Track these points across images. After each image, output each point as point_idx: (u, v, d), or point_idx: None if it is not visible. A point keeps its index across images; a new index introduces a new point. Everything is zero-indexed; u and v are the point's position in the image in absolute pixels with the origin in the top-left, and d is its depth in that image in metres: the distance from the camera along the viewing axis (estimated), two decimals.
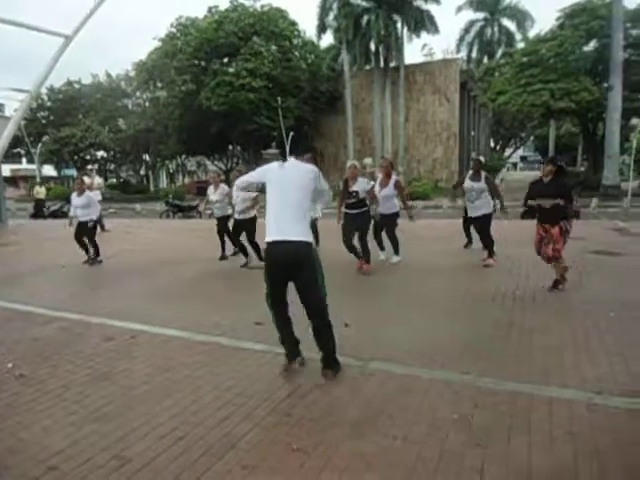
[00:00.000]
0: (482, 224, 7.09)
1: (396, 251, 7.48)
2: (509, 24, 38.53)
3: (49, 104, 43.54)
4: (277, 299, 3.38)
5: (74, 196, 8.60)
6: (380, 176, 7.34)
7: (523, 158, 71.67)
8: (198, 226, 13.82)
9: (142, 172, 48.76)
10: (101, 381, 3.44)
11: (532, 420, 2.74)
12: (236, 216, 7.63)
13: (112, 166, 49.32)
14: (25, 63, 62.98)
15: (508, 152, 47.64)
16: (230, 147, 40.19)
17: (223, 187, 8.34)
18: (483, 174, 7.03)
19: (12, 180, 47.96)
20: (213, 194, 8.27)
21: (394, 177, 7.28)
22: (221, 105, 30.71)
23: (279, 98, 31.03)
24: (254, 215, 7.55)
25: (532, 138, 50.65)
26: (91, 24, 13.51)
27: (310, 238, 3.29)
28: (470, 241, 8.46)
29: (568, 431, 2.61)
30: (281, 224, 3.22)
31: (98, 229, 12.73)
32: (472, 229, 7.95)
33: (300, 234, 3.21)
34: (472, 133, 39.91)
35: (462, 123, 35.24)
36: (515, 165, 69.45)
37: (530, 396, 3.02)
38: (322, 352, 3.42)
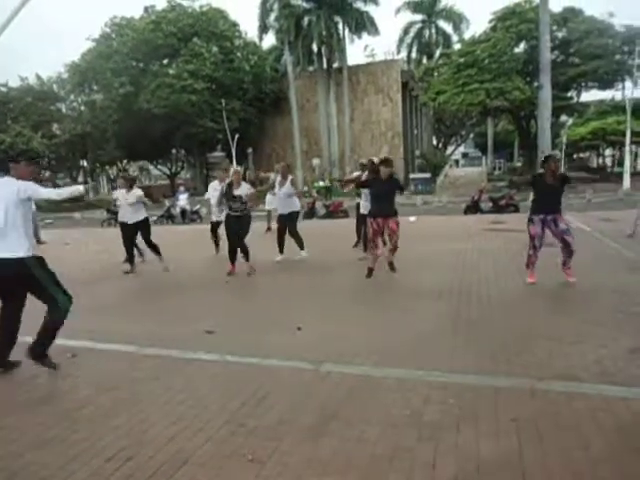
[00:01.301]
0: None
1: (302, 247, 7.87)
2: (445, 26, 40.04)
3: None
4: None
5: None
6: (278, 177, 7.90)
7: (464, 155, 74.45)
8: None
9: (80, 179, 46.47)
10: (40, 405, 3.24)
11: (479, 410, 2.84)
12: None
13: (47, 173, 46.70)
14: None
15: (450, 149, 49.39)
16: (174, 151, 39.20)
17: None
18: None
19: None
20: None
21: (290, 177, 7.87)
22: (162, 108, 29.89)
23: (223, 100, 30.59)
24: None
25: (472, 135, 52.77)
26: (17, 26, 12.77)
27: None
28: (359, 239, 8.58)
29: (513, 418, 2.72)
30: None
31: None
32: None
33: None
34: (415, 132, 41.03)
35: (405, 122, 36.17)
36: (457, 162, 72.01)
37: (477, 387, 3.13)
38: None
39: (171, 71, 31.30)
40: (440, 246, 7.44)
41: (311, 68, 35.05)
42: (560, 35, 25.87)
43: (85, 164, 43.77)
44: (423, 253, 7.78)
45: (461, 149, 58.09)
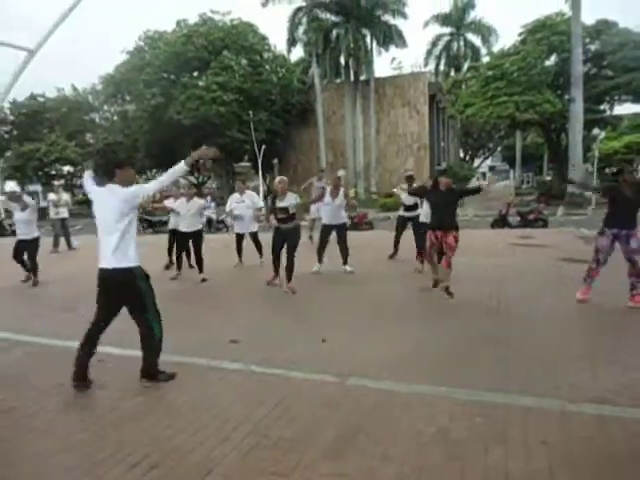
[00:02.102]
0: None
1: (346, 260, 7.75)
2: (474, 39, 39.78)
3: (12, 118, 42.29)
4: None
5: (17, 211, 7.90)
6: (329, 188, 7.71)
7: (491, 168, 73.50)
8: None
9: None
10: (71, 409, 3.31)
11: (507, 430, 2.76)
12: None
13: (79, 181, 48.16)
14: None
15: (477, 162, 48.81)
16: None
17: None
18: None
19: None
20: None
21: (342, 189, 7.69)
22: (191, 119, 30.50)
23: (250, 112, 31.01)
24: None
25: (500, 148, 52.09)
26: (56, 38, 13.29)
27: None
28: (396, 252, 8.70)
29: (543, 440, 2.64)
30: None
31: (65, 247, 12.44)
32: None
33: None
34: (442, 144, 40.76)
35: (432, 134, 35.96)
36: (484, 174, 71.13)
37: (505, 406, 3.05)
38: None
39: (201, 83, 31.94)
40: (467, 260, 7.32)
41: (338, 80, 35.27)
42: (593, 47, 25.39)
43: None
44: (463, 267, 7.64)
45: (488, 162, 57.36)
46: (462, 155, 47.95)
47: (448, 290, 5.80)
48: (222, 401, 3.32)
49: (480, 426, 2.82)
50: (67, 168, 43.38)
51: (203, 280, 7.66)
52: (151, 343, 3.56)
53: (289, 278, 6.65)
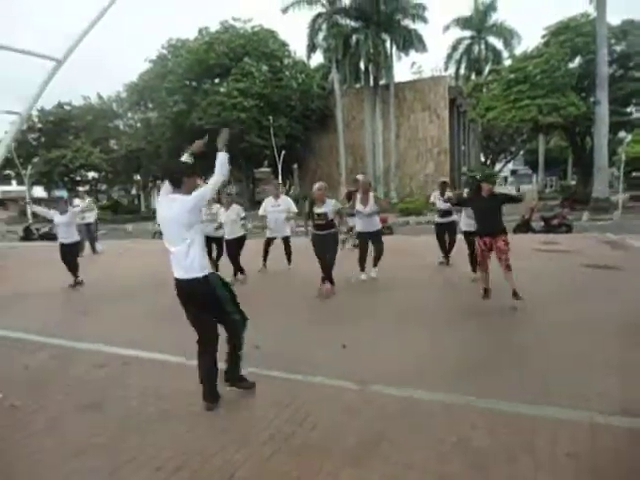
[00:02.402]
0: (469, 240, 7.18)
1: (376, 264, 7.65)
2: (495, 42, 39.39)
3: (40, 126, 43.55)
4: None
5: (57, 215, 8.20)
6: (359, 194, 7.45)
7: (513, 172, 72.47)
8: None
9: (133, 192, 48.66)
10: (92, 411, 3.36)
11: (532, 441, 2.70)
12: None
13: (103, 187, 49.22)
14: (15, 85, 63.28)
15: (499, 166, 48.18)
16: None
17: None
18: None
19: (2, 202, 47.67)
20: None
21: (372, 194, 7.52)
22: (213, 124, 30.88)
23: (270, 117, 31.28)
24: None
25: (522, 152, 51.35)
26: (82, 47, 13.64)
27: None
28: (446, 255, 8.59)
29: (570, 452, 2.57)
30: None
31: (89, 251, 12.71)
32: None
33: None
34: (462, 148, 40.39)
35: (452, 138, 35.68)
36: (505, 179, 70.24)
37: (530, 416, 2.98)
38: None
39: (222, 89, 32.36)
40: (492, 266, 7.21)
41: (358, 85, 35.33)
42: (618, 49, 24.87)
43: (138, 178, 45.78)
44: (470, 273, 7.56)
45: (510, 166, 56.56)
46: (483, 159, 47.41)
47: (515, 293, 5.56)
48: (244, 405, 3.33)
49: (503, 436, 2.77)
50: (92, 174, 44.40)
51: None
52: (239, 345, 3.46)
53: (327, 280, 6.65)
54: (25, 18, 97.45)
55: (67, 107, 43.67)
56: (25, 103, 14.80)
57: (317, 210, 6.52)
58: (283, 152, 31.68)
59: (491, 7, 38.51)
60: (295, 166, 35.14)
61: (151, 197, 50.31)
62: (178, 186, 3.34)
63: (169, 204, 3.29)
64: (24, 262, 12.46)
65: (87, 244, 12.69)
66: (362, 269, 7.59)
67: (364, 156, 34.50)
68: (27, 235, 21.39)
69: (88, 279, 8.60)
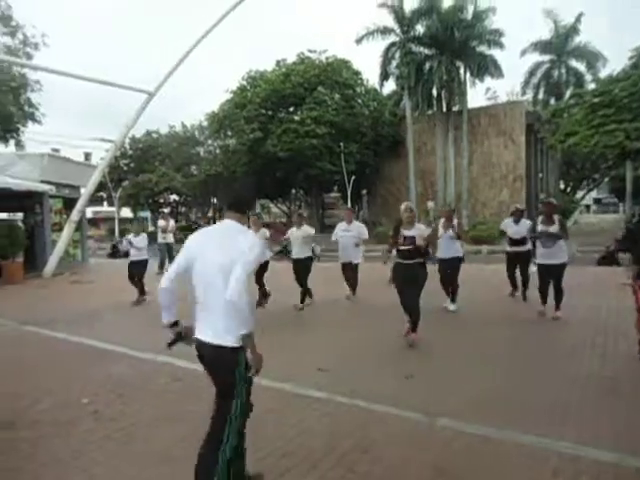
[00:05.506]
0: (560, 273, 6.65)
1: (454, 299, 7.40)
2: (578, 65, 37.66)
3: (130, 152, 47.37)
4: None
5: (131, 237, 8.92)
6: (442, 220, 7.51)
7: (597, 200, 67.98)
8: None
9: (210, 215, 51.15)
10: (169, 422, 3.53)
11: None
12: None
13: (183, 209, 52.23)
14: (110, 115, 69.42)
15: (580, 194, 45.44)
16: (293, 191, 41.42)
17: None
18: (556, 217, 6.70)
19: (93, 221, 51.97)
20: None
21: (455, 220, 7.46)
22: (286, 151, 31.97)
23: (342, 144, 31.85)
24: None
25: (606, 179, 48.12)
26: (170, 82, 14.78)
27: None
28: (515, 288, 8.18)
29: None
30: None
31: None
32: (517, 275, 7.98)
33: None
34: (540, 175, 38.60)
35: (529, 165, 34.29)
36: (588, 207, 66.03)
37: (613, 466, 2.75)
38: None
39: (296, 117, 33.51)
40: (570, 300, 6.78)
41: (429, 112, 35.15)
42: None
43: (215, 201, 48.17)
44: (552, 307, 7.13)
45: (593, 194, 53.18)
46: (563, 186, 44.95)
47: None
48: (308, 429, 3.35)
49: None
50: (173, 197, 47.33)
51: (300, 309, 7.75)
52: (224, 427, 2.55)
53: (414, 328, 5.53)
54: (121, 55, 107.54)
55: (155, 135, 47.22)
56: (120, 132, 16.13)
57: (405, 233, 5.63)
58: (353, 178, 32.01)
59: (573, 30, 37.03)
60: (364, 192, 35.29)
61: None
62: (240, 210, 2.64)
63: (234, 233, 2.52)
64: (110, 277, 13.44)
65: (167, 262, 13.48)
66: (449, 296, 7.43)
67: (434, 182, 34.00)
68: (114, 252, 23.08)
69: (147, 300, 8.98)
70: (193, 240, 2.63)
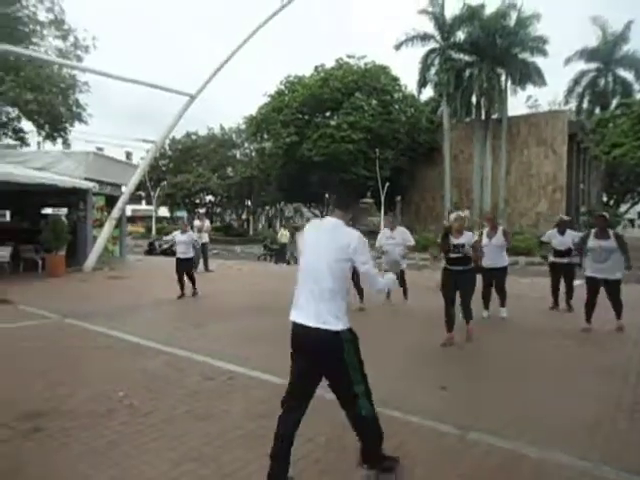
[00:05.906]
0: (617, 288, 6.46)
1: (503, 304, 7.39)
2: (626, 74, 36.38)
3: (169, 153, 48.61)
4: None
5: (178, 234, 9.63)
6: (486, 229, 7.49)
7: None
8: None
9: (244, 216, 51.92)
10: (200, 420, 3.57)
11: None
12: None
13: (218, 210, 53.19)
14: (152, 116, 71.51)
15: (624, 207, 43.67)
16: (327, 195, 41.54)
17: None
18: (611, 232, 6.45)
19: (131, 219, 53.57)
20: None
21: (500, 227, 7.44)
22: (322, 156, 32.12)
23: (377, 149, 31.74)
24: None
25: None
26: (211, 85, 15.08)
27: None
28: (557, 303, 8.03)
29: None
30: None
31: (202, 268, 13.72)
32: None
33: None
34: (581, 186, 37.37)
35: (570, 176, 33.27)
36: (632, 222, 63.37)
37: None
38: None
39: (332, 122, 33.65)
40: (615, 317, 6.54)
41: (467, 119, 34.64)
42: None
43: (249, 203, 48.84)
44: (602, 323, 6.84)
45: (638, 208, 50.97)
46: (605, 199, 43.32)
47: None
48: (340, 437, 3.32)
49: None
50: (209, 197, 48.27)
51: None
52: (357, 419, 2.85)
53: (467, 322, 5.90)
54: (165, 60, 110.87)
55: (194, 137, 48.33)
56: (161, 132, 16.52)
57: (455, 241, 5.73)
58: (387, 184, 31.83)
59: (621, 38, 35.78)
60: (398, 198, 35.02)
61: (259, 222, 53.30)
62: (345, 209, 2.81)
63: (335, 230, 2.72)
64: (146, 274, 13.79)
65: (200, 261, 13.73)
66: (485, 306, 7.42)
67: (470, 190, 33.45)
68: (150, 249, 23.69)
69: (199, 295, 9.29)
70: (307, 232, 2.88)
